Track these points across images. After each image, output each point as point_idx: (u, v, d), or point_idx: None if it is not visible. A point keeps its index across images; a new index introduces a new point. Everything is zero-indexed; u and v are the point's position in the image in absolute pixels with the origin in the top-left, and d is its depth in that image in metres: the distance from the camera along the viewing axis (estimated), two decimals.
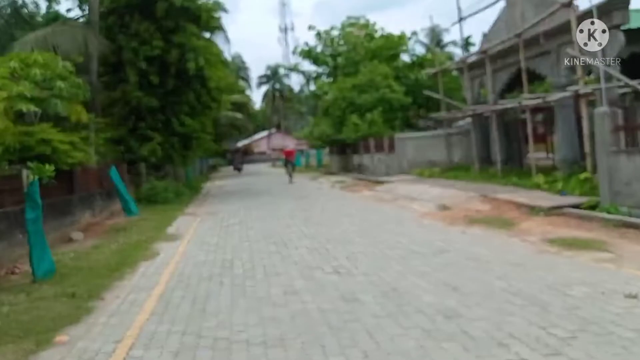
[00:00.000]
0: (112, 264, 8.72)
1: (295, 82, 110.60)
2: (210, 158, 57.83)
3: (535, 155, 18.50)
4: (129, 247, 10.43)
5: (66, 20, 19.62)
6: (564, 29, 14.34)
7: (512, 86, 19.25)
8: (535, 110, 17.41)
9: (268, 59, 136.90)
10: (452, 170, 21.11)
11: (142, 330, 5.16)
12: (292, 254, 8.42)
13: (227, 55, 32.11)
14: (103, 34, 20.26)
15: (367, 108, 29.79)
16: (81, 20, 19.64)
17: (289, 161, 29.16)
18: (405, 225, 10.37)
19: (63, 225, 12.26)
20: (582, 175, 12.42)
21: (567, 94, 13.24)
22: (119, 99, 21.31)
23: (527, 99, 14.68)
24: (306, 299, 5.70)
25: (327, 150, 48.17)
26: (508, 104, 16.29)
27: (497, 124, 17.63)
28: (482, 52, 17.33)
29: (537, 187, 13.28)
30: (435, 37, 57.77)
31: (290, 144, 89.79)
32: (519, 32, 14.75)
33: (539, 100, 14.31)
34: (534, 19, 15.09)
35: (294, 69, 42.31)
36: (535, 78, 18.12)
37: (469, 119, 27.04)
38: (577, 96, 12.97)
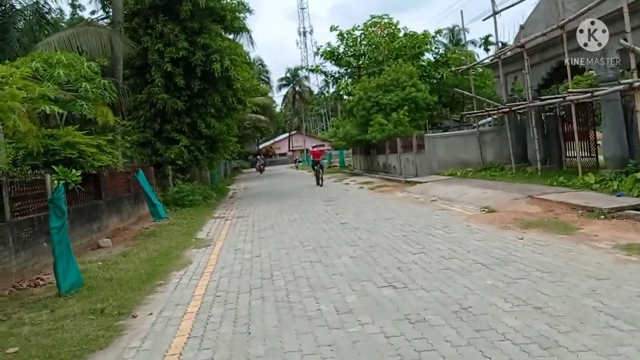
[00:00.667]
0: (142, 274, 8.17)
1: (314, 84, 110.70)
2: (233, 160, 57.60)
3: (576, 154, 17.61)
4: (159, 254, 9.89)
5: (90, 21, 19.23)
6: (613, 19, 13.49)
7: (550, 81, 18.36)
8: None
9: (287, 63, 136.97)
10: (485, 170, 20.24)
11: (181, 359, 4.54)
12: (335, 263, 7.75)
13: (251, 57, 31.66)
14: (128, 36, 19.87)
15: (392, 107, 29.07)
16: (105, 21, 19.22)
17: (317, 162, 26.47)
18: (453, 230, 9.61)
19: (90, 232, 11.80)
20: (639, 174, 11.52)
21: (619, 87, 12.34)
22: (144, 102, 20.95)
23: (574, 93, 13.77)
24: (364, 320, 5.02)
25: (349, 151, 47.58)
26: (551, 99, 15.37)
27: (535, 121, 16.73)
28: (520, 45, 16.43)
29: (587, 187, 12.41)
30: (455, 36, 56.91)
31: (311, 145, 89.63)
32: (562, 23, 13.84)
33: (587, 95, 13.40)
34: (576, 9, 14.22)
35: (316, 70, 41.66)
36: (576, 72, 17.22)
37: (489, 119, 26.25)
38: (630, 89, 12.05)
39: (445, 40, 51.58)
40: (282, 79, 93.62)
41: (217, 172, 33.78)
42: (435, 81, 34.50)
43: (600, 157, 16.73)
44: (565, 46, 13.83)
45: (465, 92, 24.72)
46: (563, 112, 17.39)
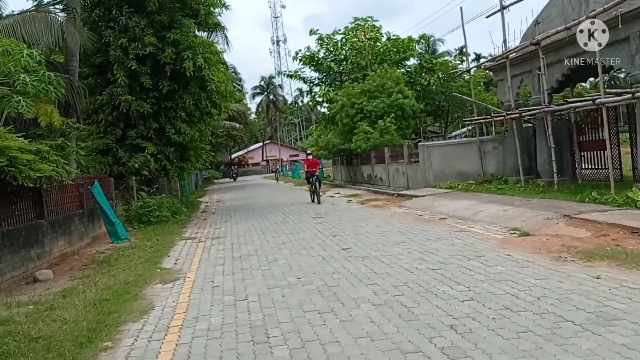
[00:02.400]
0: (83, 329, 5.86)
1: (287, 93, 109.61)
2: (205, 170, 55.08)
3: (586, 165, 15.92)
4: (112, 294, 7.56)
5: (40, 5, 16.71)
6: None
7: (565, 84, 16.66)
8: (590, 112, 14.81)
9: (259, 73, 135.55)
10: (488, 183, 18.39)
11: None
12: (355, 315, 5.58)
13: (227, 58, 29.23)
14: (88, 29, 17.45)
15: (378, 115, 27.24)
16: (59, 9, 16.71)
17: (313, 173, 20.92)
18: (491, 261, 7.55)
19: (26, 260, 9.37)
20: None
21: None
22: (105, 104, 18.54)
23: (610, 94, 11.96)
24: None
25: (327, 160, 45.49)
26: (577, 102, 13.56)
27: (552, 128, 14.92)
28: (535, 43, 14.64)
29: (631, 204, 10.53)
30: (430, 47, 55.72)
31: (284, 155, 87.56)
32: (593, 14, 12.06)
33: (626, 97, 11.59)
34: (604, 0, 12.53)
35: (295, 75, 39.40)
36: (592, 74, 15.50)
37: (463, 129, 24.57)
38: None
39: (421, 50, 50.33)
40: (256, 87, 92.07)
41: (187, 183, 31.31)
42: (421, 88, 32.83)
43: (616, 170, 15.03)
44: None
45: (467, 98, 22.85)
46: (578, 118, 15.66)
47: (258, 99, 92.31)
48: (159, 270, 9.38)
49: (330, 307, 5.93)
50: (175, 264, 9.99)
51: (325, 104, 38.06)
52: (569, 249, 7.82)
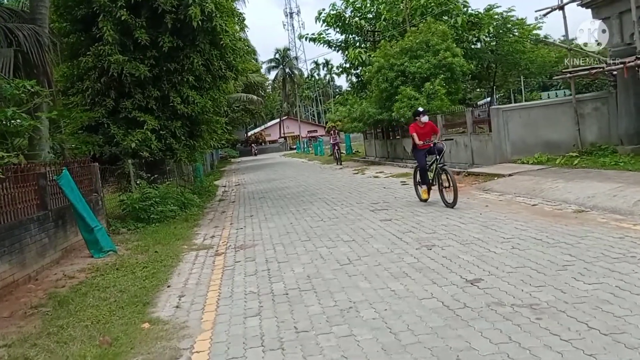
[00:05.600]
0: None
1: (301, 66, 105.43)
2: (221, 149, 51.05)
3: None
4: None
5: None
6: None
7: None
8: None
9: (272, 50, 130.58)
10: (590, 155, 14.04)
11: None
12: None
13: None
14: None
15: (423, 77, 22.85)
16: None
17: (430, 150, 11.00)
18: None
19: None
20: None
21: None
22: (91, 68, 14.40)
23: None
24: None
25: (358, 134, 40.87)
26: None
27: None
28: None
29: None
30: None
31: (303, 131, 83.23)
32: None
33: None
34: None
35: (318, 39, 34.81)
36: None
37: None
38: None
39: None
40: (271, 61, 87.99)
41: (202, 165, 27.26)
42: (468, 46, 28.22)
43: None
44: None
45: (561, 45, 18.18)
46: None
47: (273, 73, 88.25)
48: (146, 325, 5.30)
49: None
50: (177, 307, 5.91)
51: (353, 71, 33.69)
52: None
